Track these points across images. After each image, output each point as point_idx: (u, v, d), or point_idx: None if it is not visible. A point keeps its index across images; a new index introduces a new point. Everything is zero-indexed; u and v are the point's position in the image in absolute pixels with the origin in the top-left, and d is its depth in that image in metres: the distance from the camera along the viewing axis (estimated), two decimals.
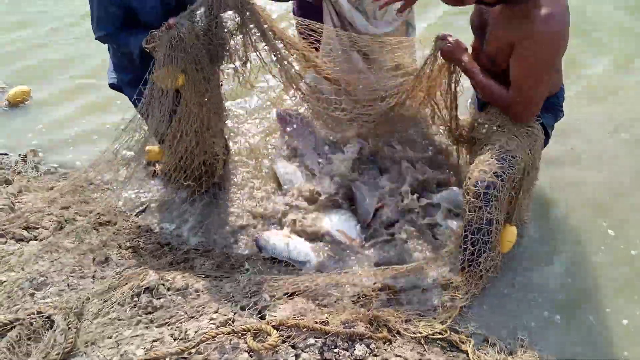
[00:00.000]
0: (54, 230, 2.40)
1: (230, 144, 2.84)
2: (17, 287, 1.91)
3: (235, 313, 1.87)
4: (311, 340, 1.76)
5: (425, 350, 1.93)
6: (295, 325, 1.76)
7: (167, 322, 1.81)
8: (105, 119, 3.56)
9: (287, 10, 4.18)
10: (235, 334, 1.69)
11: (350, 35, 2.80)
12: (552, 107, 2.34)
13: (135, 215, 2.78)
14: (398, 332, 1.98)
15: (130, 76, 2.55)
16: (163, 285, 2.01)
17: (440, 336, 2.01)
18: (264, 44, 2.38)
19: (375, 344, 1.86)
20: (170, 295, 1.97)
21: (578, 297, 2.35)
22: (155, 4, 2.34)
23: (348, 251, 2.59)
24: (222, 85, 2.52)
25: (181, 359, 1.61)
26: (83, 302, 1.86)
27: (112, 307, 1.87)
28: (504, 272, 2.40)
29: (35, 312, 1.72)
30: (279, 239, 2.59)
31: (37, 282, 1.96)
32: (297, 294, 2.08)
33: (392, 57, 3.09)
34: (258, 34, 2.34)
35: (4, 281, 1.96)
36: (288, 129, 3.19)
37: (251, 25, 2.30)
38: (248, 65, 2.41)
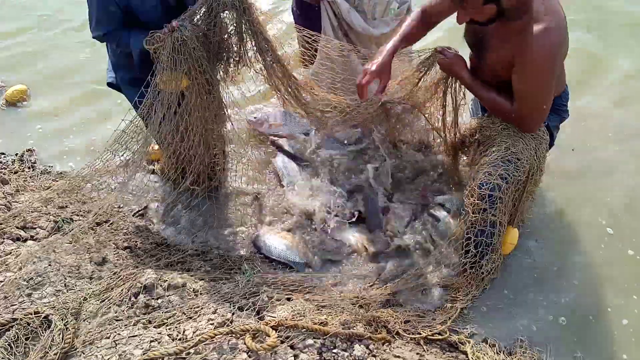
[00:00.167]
0: (51, 230, 2.39)
1: (227, 148, 2.84)
2: (14, 287, 1.89)
3: (233, 313, 1.86)
4: (310, 341, 1.75)
5: (424, 350, 1.93)
6: (294, 325, 1.76)
7: (165, 323, 1.80)
8: (103, 119, 3.55)
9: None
10: (234, 335, 1.68)
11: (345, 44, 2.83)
12: (557, 108, 2.33)
13: (133, 216, 2.77)
14: (397, 333, 1.98)
15: (129, 75, 2.54)
16: (161, 285, 2.00)
17: (439, 337, 2.00)
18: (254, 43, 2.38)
19: (374, 344, 1.85)
20: (168, 296, 1.96)
21: (578, 297, 2.35)
22: (155, 4, 2.33)
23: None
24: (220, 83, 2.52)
25: (179, 359, 1.60)
26: (80, 302, 1.85)
27: (110, 307, 1.86)
28: (503, 273, 2.40)
29: (33, 313, 1.71)
30: (277, 240, 2.59)
31: (34, 282, 1.95)
32: (295, 295, 2.08)
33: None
34: (250, 34, 2.34)
35: (1, 281, 1.94)
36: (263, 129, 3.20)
37: (244, 28, 2.30)
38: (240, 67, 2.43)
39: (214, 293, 2.01)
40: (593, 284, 2.41)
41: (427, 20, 2.43)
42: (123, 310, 1.85)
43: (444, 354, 1.97)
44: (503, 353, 2.03)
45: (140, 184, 2.68)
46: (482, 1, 1.94)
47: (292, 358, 1.67)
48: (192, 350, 1.62)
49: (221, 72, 2.44)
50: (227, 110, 2.56)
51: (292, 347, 1.72)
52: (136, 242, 2.51)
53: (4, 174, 2.88)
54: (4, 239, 2.24)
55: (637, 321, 2.25)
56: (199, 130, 2.40)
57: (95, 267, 2.16)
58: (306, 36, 2.77)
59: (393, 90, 2.69)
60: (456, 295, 2.27)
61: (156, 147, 2.88)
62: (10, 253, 2.13)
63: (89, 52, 4.30)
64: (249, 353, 1.64)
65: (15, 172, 3.00)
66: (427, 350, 1.94)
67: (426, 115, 2.82)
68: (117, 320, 1.81)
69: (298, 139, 3.15)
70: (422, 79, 2.57)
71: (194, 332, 1.71)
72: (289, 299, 2.03)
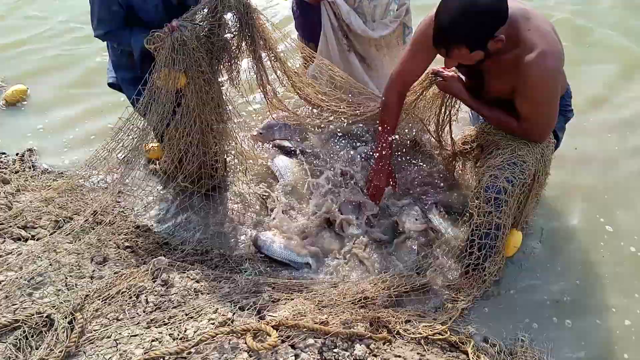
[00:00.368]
0: (52, 229, 2.39)
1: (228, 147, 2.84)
2: (16, 286, 1.89)
3: (234, 313, 1.86)
4: (311, 341, 1.75)
5: (425, 350, 1.93)
6: (295, 325, 1.76)
7: (166, 322, 1.80)
8: (102, 119, 3.56)
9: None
10: (235, 334, 1.68)
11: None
12: (561, 109, 2.31)
13: (134, 215, 2.77)
14: (398, 333, 1.98)
15: (130, 75, 2.54)
16: (162, 285, 2.00)
17: (440, 337, 2.00)
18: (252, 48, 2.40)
19: (375, 344, 1.85)
20: (169, 295, 1.96)
21: (580, 297, 2.35)
22: (156, 3, 2.33)
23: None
24: (223, 86, 2.52)
25: (180, 358, 1.60)
26: (81, 302, 1.85)
27: (111, 306, 1.86)
28: (505, 274, 2.40)
29: (35, 313, 1.71)
30: (277, 239, 2.59)
31: (35, 282, 1.95)
32: (296, 295, 2.08)
33: (390, 59, 3.12)
34: (251, 36, 2.35)
35: (2, 281, 1.94)
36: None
37: (246, 30, 2.31)
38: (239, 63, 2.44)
39: (215, 292, 2.01)
40: (595, 283, 2.41)
41: (405, 91, 2.45)
42: (124, 310, 1.85)
43: (444, 353, 1.97)
44: (504, 353, 2.03)
45: (141, 184, 2.68)
46: (468, 51, 1.95)
47: (293, 357, 1.67)
48: (193, 350, 1.62)
49: (224, 75, 2.45)
50: (229, 108, 2.56)
51: (292, 346, 1.72)
52: (137, 241, 2.51)
53: (4, 174, 2.89)
54: (5, 238, 2.24)
55: (639, 321, 2.25)
56: (198, 129, 2.40)
57: (96, 267, 2.16)
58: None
59: None
60: (457, 295, 2.27)
61: (155, 145, 2.88)
62: (11, 252, 2.13)
63: (89, 51, 4.31)
64: (250, 352, 1.64)
65: (16, 172, 3.00)
66: (428, 350, 1.94)
67: (426, 126, 2.84)
68: (118, 320, 1.81)
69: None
70: (420, 96, 2.62)
71: (195, 332, 1.71)
72: (289, 299, 2.03)
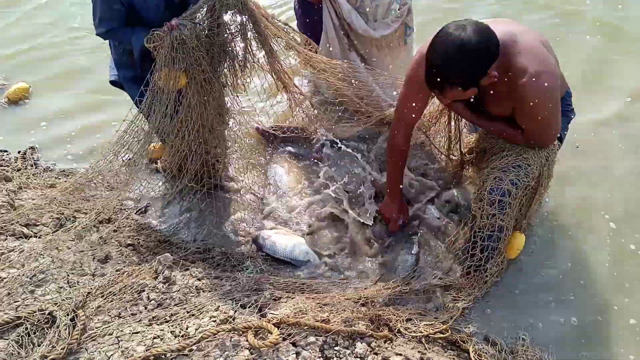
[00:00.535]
0: (54, 227, 2.40)
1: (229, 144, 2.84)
2: (18, 283, 1.90)
3: (235, 311, 1.86)
4: (312, 338, 1.75)
5: (426, 349, 1.93)
6: (296, 323, 1.76)
7: (167, 320, 1.80)
8: (104, 117, 3.56)
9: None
10: (236, 332, 1.68)
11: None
12: (563, 110, 2.28)
13: (136, 213, 2.77)
14: (399, 331, 1.99)
15: (131, 73, 2.55)
16: (164, 282, 2.01)
17: (441, 335, 2.00)
18: (260, 45, 2.39)
19: (376, 342, 1.86)
20: (170, 293, 1.96)
21: (585, 296, 2.35)
22: (158, 2, 2.34)
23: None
24: (225, 87, 2.53)
25: (182, 355, 1.60)
26: (83, 299, 1.85)
27: (113, 303, 1.86)
28: (506, 273, 2.40)
29: (37, 310, 1.71)
30: (278, 238, 2.59)
31: (37, 279, 1.95)
32: (297, 292, 2.08)
33: (391, 59, 3.12)
34: (256, 35, 2.34)
35: (4, 278, 1.95)
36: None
37: (250, 26, 2.30)
38: (247, 70, 2.43)
39: (217, 290, 2.02)
40: (600, 282, 2.40)
41: (411, 130, 2.44)
42: (126, 308, 1.86)
43: (445, 352, 1.98)
44: (505, 352, 2.03)
45: (143, 182, 2.68)
46: (461, 91, 1.94)
47: (294, 355, 1.67)
48: (194, 347, 1.62)
49: (226, 74, 2.45)
50: (229, 105, 2.56)
51: (294, 344, 1.72)
52: (139, 239, 2.52)
53: (6, 172, 2.89)
54: (7, 236, 2.24)
55: None
56: (199, 129, 2.40)
57: (98, 264, 2.17)
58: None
59: None
60: (458, 295, 2.27)
61: (157, 145, 2.88)
62: (14, 250, 2.14)
63: (91, 51, 4.31)
64: (251, 350, 1.64)
65: (18, 170, 3.01)
66: (429, 349, 1.94)
67: (431, 138, 2.86)
68: (119, 317, 1.82)
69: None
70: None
71: (196, 329, 1.71)
72: (291, 297, 2.03)
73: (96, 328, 1.73)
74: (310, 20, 3.08)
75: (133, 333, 1.69)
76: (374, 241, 2.61)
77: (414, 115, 2.36)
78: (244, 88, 2.54)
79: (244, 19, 2.28)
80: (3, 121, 3.62)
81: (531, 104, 1.96)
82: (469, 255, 2.25)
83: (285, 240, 2.58)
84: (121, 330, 1.71)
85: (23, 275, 1.95)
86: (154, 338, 1.67)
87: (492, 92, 2.01)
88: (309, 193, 2.88)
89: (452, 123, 2.61)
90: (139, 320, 1.78)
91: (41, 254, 2.10)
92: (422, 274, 2.33)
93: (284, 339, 1.71)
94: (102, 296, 1.90)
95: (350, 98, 2.86)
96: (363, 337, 1.86)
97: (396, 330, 1.99)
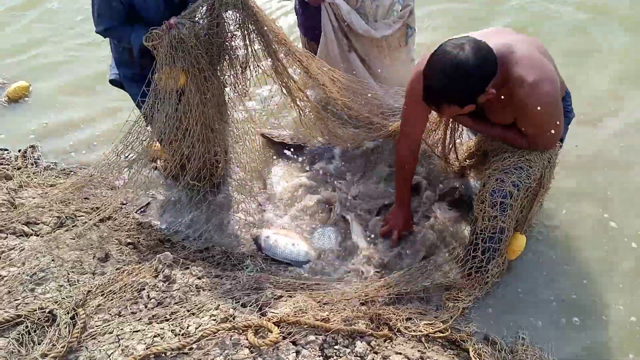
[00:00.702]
0: (55, 225, 2.40)
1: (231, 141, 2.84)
2: (18, 282, 1.90)
3: (236, 309, 1.86)
4: (312, 337, 1.75)
5: (425, 348, 1.93)
6: (296, 322, 1.76)
7: (167, 318, 1.80)
8: (105, 115, 3.57)
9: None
10: (236, 330, 1.68)
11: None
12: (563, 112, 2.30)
13: (136, 212, 2.78)
14: (399, 330, 1.99)
15: (131, 71, 2.55)
16: (164, 281, 2.01)
17: (441, 334, 2.01)
18: (262, 46, 2.38)
19: (375, 341, 1.86)
20: (171, 292, 1.97)
21: (585, 295, 2.35)
22: (158, 1, 2.33)
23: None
24: (226, 87, 2.52)
25: (182, 354, 1.60)
26: (83, 297, 1.86)
27: (113, 302, 1.87)
28: (507, 272, 2.40)
29: (37, 308, 1.72)
30: (278, 238, 2.59)
31: (38, 278, 1.96)
32: (298, 291, 2.08)
33: (391, 60, 3.12)
34: (258, 37, 2.34)
35: (5, 276, 1.95)
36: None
37: (252, 27, 2.30)
38: (247, 72, 2.42)
39: (217, 289, 2.02)
40: (600, 280, 2.40)
41: (416, 144, 2.43)
42: (126, 306, 1.86)
43: (445, 351, 1.98)
44: (504, 351, 2.03)
45: (143, 181, 2.68)
46: (458, 108, 1.94)
47: (294, 354, 1.68)
48: (194, 346, 1.62)
49: (226, 75, 2.44)
50: (230, 104, 2.56)
51: (294, 343, 1.73)
52: (139, 238, 2.52)
53: (7, 170, 2.89)
54: (7, 234, 2.24)
55: None
56: (199, 128, 2.40)
57: (98, 263, 2.17)
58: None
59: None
60: (458, 295, 2.27)
61: (157, 144, 2.88)
62: (14, 248, 2.14)
63: (92, 49, 4.31)
64: (251, 348, 1.64)
65: (19, 169, 3.01)
66: (429, 348, 1.95)
67: (429, 143, 2.85)
68: (119, 316, 1.82)
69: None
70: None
71: (196, 328, 1.72)
72: (291, 296, 2.03)
73: (96, 326, 1.74)
74: (311, 21, 3.07)
75: (133, 331, 1.70)
76: (374, 241, 2.61)
77: (417, 129, 2.36)
78: (246, 89, 2.52)
79: (245, 19, 2.27)
80: (3, 119, 3.63)
81: (532, 112, 1.97)
82: (470, 257, 2.25)
83: (286, 241, 2.58)
84: (121, 329, 1.71)
85: (23, 273, 1.95)
86: (154, 336, 1.67)
87: (493, 103, 2.01)
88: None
89: (449, 132, 2.62)
90: (139, 319, 1.78)
91: (42, 253, 2.10)
92: (423, 274, 2.34)
93: (284, 338, 1.71)
94: (102, 295, 1.90)
95: (356, 110, 2.85)
96: (363, 336, 1.86)
97: (396, 330, 1.99)
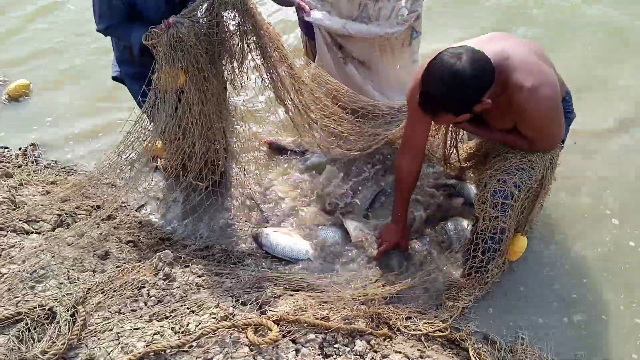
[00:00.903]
0: (55, 223, 2.40)
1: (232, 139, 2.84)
2: (18, 279, 1.90)
3: (235, 308, 1.86)
4: (311, 336, 1.76)
5: (425, 347, 1.93)
6: (296, 320, 1.76)
7: (167, 316, 1.81)
8: (105, 113, 3.57)
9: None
10: (236, 328, 1.69)
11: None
12: (564, 111, 2.28)
13: (136, 210, 2.78)
14: (398, 329, 1.99)
15: (133, 69, 2.56)
16: (164, 279, 2.01)
17: (440, 334, 2.01)
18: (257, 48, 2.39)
19: (375, 340, 1.86)
20: (171, 289, 1.97)
21: (587, 294, 2.35)
22: (158, 1, 2.34)
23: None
24: (226, 87, 2.52)
25: (182, 352, 1.61)
26: (83, 295, 1.86)
27: (113, 300, 1.87)
28: (507, 272, 2.40)
29: (37, 306, 1.72)
30: (279, 236, 2.59)
31: (38, 275, 1.96)
32: (298, 290, 2.08)
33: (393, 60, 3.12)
34: (254, 37, 2.34)
35: (5, 274, 1.95)
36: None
37: (249, 27, 2.30)
38: (244, 66, 2.42)
39: (217, 287, 2.02)
40: (602, 280, 2.41)
41: (418, 155, 2.39)
42: (126, 304, 1.86)
43: (445, 350, 1.98)
44: (504, 350, 2.03)
45: (144, 180, 2.68)
46: (454, 117, 1.94)
47: (294, 352, 1.68)
48: (194, 344, 1.63)
49: (226, 73, 2.45)
50: (231, 103, 2.57)
51: (293, 341, 1.73)
52: (139, 236, 2.52)
53: (7, 168, 2.90)
54: (8, 232, 2.25)
55: None
56: (199, 126, 2.40)
57: (98, 261, 2.17)
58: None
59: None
60: (458, 294, 2.27)
61: (158, 143, 2.88)
62: (14, 246, 2.14)
63: (93, 48, 4.31)
64: (251, 347, 1.65)
65: (19, 167, 3.02)
66: (428, 347, 1.95)
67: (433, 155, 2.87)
68: (119, 313, 1.82)
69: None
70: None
71: (196, 326, 1.72)
72: (291, 295, 2.04)
73: (96, 324, 1.74)
74: (310, 29, 3.06)
75: (133, 329, 1.70)
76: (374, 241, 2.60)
77: (418, 139, 2.34)
78: (241, 87, 2.52)
79: (244, 19, 2.27)
80: (3, 118, 3.63)
81: (532, 116, 1.97)
82: (470, 257, 2.25)
83: (286, 239, 2.58)
84: (121, 327, 1.71)
85: (23, 271, 1.95)
86: (154, 334, 1.67)
87: (492, 109, 2.00)
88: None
89: (449, 135, 2.62)
90: (139, 317, 1.78)
91: (42, 250, 2.10)
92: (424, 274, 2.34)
93: (284, 336, 1.71)
94: (102, 292, 1.91)
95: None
96: (363, 334, 1.86)
97: (396, 329, 1.99)
